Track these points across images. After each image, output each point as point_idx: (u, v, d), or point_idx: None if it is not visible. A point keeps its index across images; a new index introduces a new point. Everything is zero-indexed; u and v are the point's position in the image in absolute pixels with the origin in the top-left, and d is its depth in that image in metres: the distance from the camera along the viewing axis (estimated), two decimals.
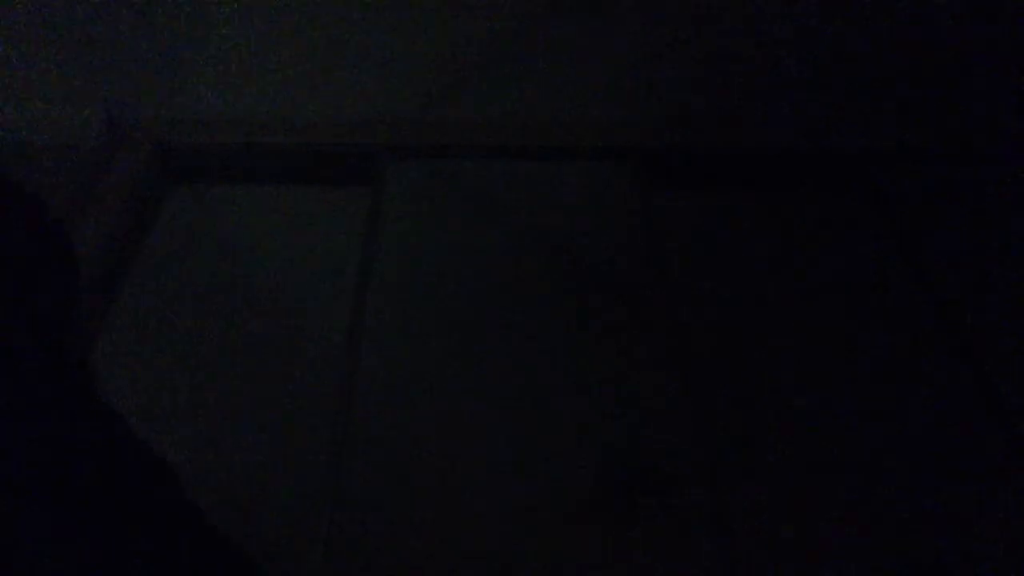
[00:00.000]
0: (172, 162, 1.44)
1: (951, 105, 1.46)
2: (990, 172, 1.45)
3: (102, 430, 0.56)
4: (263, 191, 1.45)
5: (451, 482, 1.00)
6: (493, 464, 1.02)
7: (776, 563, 0.97)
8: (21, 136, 1.40)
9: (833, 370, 1.19)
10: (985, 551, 0.98)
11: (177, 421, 1.09)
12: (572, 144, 1.45)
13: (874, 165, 1.48)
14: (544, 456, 1.02)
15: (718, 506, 0.99)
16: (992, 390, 1.15)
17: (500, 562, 0.94)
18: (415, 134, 1.45)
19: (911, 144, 1.47)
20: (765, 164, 1.49)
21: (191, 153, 1.45)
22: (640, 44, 1.37)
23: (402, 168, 1.40)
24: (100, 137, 1.41)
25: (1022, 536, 1.00)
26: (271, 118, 1.44)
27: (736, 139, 1.48)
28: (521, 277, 1.24)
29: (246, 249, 1.36)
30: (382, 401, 1.08)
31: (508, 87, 1.43)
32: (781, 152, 1.48)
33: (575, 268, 1.26)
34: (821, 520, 1.02)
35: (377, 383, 1.10)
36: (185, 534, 0.56)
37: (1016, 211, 1.40)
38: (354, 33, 1.35)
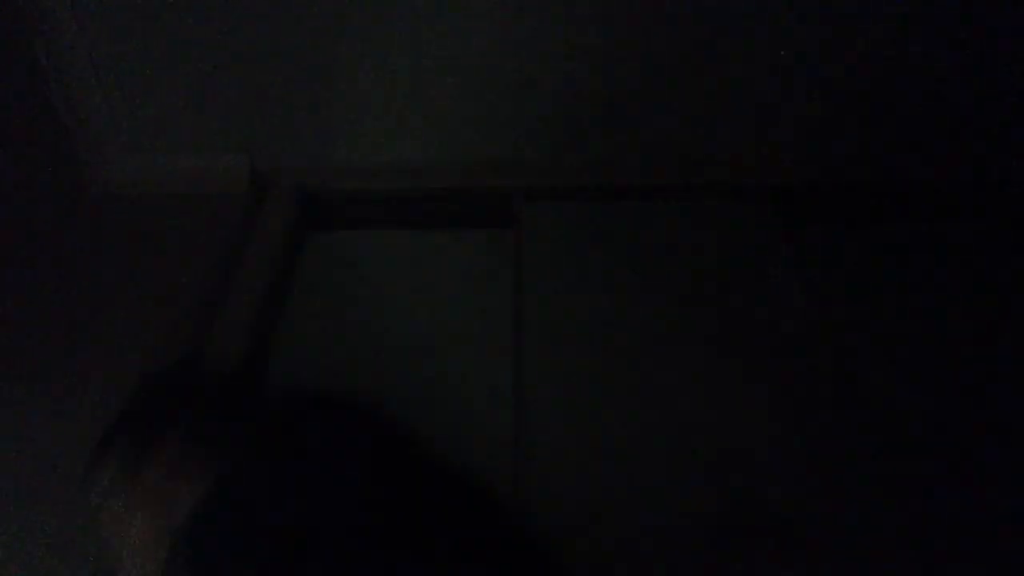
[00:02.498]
0: (313, 209, 1.50)
1: None
2: None
3: None
4: (401, 236, 1.51)
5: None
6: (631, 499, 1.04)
7: None
8: (167, 186, 1.47)
9: (976, 419, 1.16)
10: None
11: None
12: (708, 182, 1.46)
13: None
14: (668, 499, 1.03)
15: (836, 553, 0.98)
16: None
17: None
18: (551, 176, 1.48)
19: None
20: (911, 195, 1.49)
21: (332, 200, 1.51)
22: (773, 81, 1.38)
23: (539, 210, 1.43)
24: (244, 186, 1.47)
25: None
26: (407, 163, 1.49)
27: (876, 172, 1.48)
28: (663, 318, 1.25)
29: (392, 295, 1.41)
30: (551, 443, 1.10)
31: (646, 125, 1.46)
32: (929, 182, 1.48)
33: (715, 308, 1.27)
34: (944, 565, 0.99)
35: (544, 427, 1.11)
36: None
37: None
38: (486, 80, 1.40)
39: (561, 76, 1.39)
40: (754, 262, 1.34)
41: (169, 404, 0.67)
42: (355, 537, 0.57)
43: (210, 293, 1.29)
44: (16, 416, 1.10)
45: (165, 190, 1.47)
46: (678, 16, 1.32)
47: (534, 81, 1.40)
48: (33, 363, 1.17)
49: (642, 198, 1.46)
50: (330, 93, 1.41)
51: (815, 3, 1.31)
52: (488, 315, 1.34)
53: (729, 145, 1.47)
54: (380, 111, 1.44)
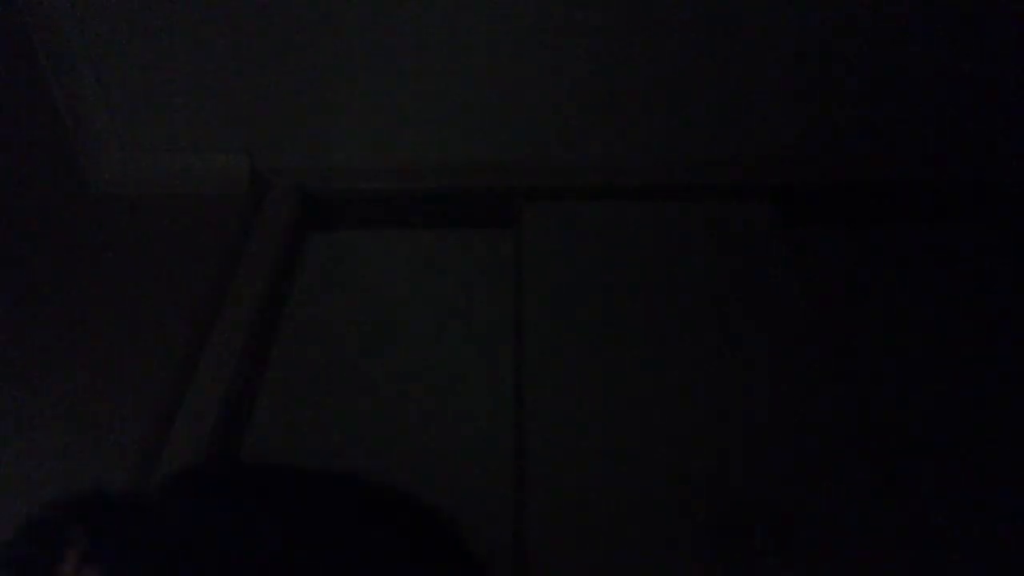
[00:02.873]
0: (314, 209, 1.51)
1: None
2: None
3: None
4: (401, 236, 1.51)
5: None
6: (631, 500, 1.04)
7: None
8: (168, 186, 1.47)
9: (976, 419, 1.16)
10: None
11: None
12: (708, 182, 1.47)
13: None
14: (668, 499, 1.03)
15: (836, 553, 0.97)
16: None
17: None
18: (551, 176, 1.48)
19: None
20: (910, 195, 1.49)
21: (332, 200, 1.51)
22: (775, 81, 1.38)
23: (540, 211, 1.43)
24: (244, 186, 1.47)
25: None
26: (407, 163, 1.49)
27: (876, 172, 1.48)
28: (663, 318, 1.25)
29: (392, 295, 1.42)
30: (552, 442, 1.09)
31: (646, 125, 1.46)
32: (927, 182, 1.48)
33: (718, 308, 1.27)
34: (944, 565, 0.99)
35: (545, 427, 1.11)
36: None
37: None
38: (486, 80, 1.40)
39: (561, 76, 1.39)
40: (754, 262, 1.34)
41: (65, 524, 0.67)
42: None
43: (208, 294, 1.28)
44: (16, 416, 1.10)
45: (165, 190, 1.47)
46: (678, 16, 1.32)
47: (534, 81, 1.40)
48: (33, 363, 1.17)
49: (642, 198, 1.46)
50: (330, 93, 1.41)
51: (815, 3, 1.31)
52: (488, 315, 1.35)
53: (729, 145, 1.47)
54: (380, 111, 1.44)
